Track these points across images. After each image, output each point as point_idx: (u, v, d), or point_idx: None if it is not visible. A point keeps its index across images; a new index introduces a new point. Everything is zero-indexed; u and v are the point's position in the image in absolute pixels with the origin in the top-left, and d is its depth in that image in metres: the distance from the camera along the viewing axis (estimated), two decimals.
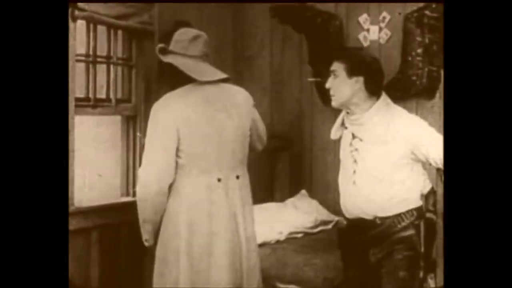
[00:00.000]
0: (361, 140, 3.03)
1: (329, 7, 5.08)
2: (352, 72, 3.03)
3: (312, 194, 5.10)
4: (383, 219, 2.98)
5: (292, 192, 5.13)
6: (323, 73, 5.08)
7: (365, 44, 5.03)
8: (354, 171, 3.03)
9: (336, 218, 4.87)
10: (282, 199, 5.02)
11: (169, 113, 3.11)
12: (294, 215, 4.69)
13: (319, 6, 5.08)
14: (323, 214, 4.86)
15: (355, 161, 3.03)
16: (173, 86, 3.24)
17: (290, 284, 3.93)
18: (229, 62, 5.10)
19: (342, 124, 3.19)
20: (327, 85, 3.11)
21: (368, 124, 3.01)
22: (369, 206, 2.99)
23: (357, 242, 3.06)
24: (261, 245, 4.17)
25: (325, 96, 5.15)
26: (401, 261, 2.92)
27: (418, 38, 4.75)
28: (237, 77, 5.19)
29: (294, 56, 5.29)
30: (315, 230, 4.65)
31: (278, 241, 4.35)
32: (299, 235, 4.53)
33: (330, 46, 5.03)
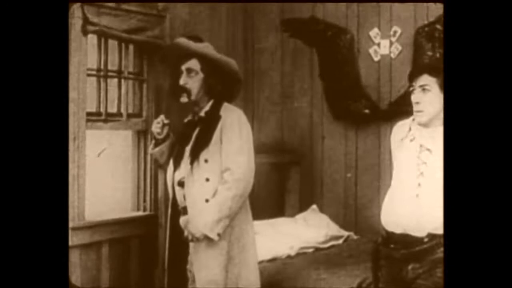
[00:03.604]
0: (432, 153, 2.95)
1: (340, 21, 5.08)
2: None
3: (322, 209, 5.08)
4: (432, 236, 2.92)
5: (303, 207, 5.11)
6: (333, 87, 5.13)
7: (376, 58, 5.03)
8: (419, 184, 2.94)
9: (346, 233, 4.85)
10: (292, 214, 5.01)
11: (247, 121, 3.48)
12: (305, 230, 4.67)
13: (330, 19, 5.09)
14: (334, 229, 4.84)
15: (421, 173, 2.95)
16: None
17: None
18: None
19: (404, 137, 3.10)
20: (415, 100, 2.97)
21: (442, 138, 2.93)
22: (429, 220, 2.89)
23: (397, 257, 3.00)
24: (272, 260, 4.17)
25: (337, 110, 5.16)
26: (441, 279, 2.87)
27: (429, 52, 4.74)
28: (247, 92, 5.20)
29: (305, 70, 5.28)
30: (326, 245, 4.62)
31: (288, 256, 4.33)
32: (310, 250, 4.51)
33: (340, 60, 5.03)
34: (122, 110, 4.19)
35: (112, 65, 4.15)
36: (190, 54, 3.43)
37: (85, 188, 3.81)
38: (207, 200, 3.34)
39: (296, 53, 5.32)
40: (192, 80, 3.42)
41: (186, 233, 3.37)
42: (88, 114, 3.89)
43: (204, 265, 3.36)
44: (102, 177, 4.14)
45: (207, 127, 3.42)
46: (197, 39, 3.50)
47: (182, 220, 3.43)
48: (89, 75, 3.93)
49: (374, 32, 5.03)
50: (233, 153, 3.36)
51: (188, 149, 3.44)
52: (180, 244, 3.46)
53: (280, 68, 5.36)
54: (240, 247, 3.41)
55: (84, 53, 3.82)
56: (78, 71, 3.77)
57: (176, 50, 3.47)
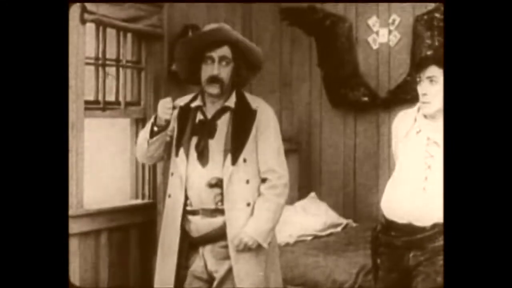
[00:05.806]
0: (439, 147, 2.92)
1: (339, 9, 5.09)
2: None
3: (321, 197, 5.09)
4: (434, 224, 2.91)
5: (302, 195, 5.13)
6: (332, 75, 5.13)
7: (375, 46, 5.03)
8: (426, 178, 2.92)
9: (345, 221, 4.87)
10: (291, 202, 5.01)
11: None
12: (304, 218, 4.68)
13: (329, 8, 5.09)
14: (332, 216, 4.86)
15: (429, 167, 2.92)
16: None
17: (299, 286, 3.92)
18: None
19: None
20: (422, 91, 2.93)
21: None
22: (436, 213, 2.87)
23: (398, 244, 2.99)
24: None
25: (335, 98, 5.17)
26: (442, 267, 2.86)
27: (428, 41, 4.75)
28: None
29: (303, 59, 5.29)
30: (325, 233, 4.64)
31: (287, 244, 4.34)
32: (309, 238, 4.53)
33: (339, 48, 5.04)
34: (120, 98, 4.18)
35: (110, 54, 4.15)
36: (221, 41, 3.14)
37: (83, 176, 3.81)
38: (248, 204, 3.10)
39: (295, 42, 5.32)
40: (224, 69, 3.12)
41: (236, 240, 3.06)
42: (86, 102, 3.89)
43: (247, 274, 3.11)
44: (101, 165, 4.15)
45: (242, 122, 3.15)
46: (186, 29, 3.37)
47: (209, 222, 3.14)
48: (87, 63, 3.92)
49: (372, 21, 5.03)
50: (272, 153, 3.15)
51: (214, 142, 3.15)
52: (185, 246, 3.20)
53: (278, 56, 5.36)
54: (273, 250, 3.22)
55: (82, 42, 3.81)
56: (76, 60, 3.75)
57: (210, 37, 3.15)
